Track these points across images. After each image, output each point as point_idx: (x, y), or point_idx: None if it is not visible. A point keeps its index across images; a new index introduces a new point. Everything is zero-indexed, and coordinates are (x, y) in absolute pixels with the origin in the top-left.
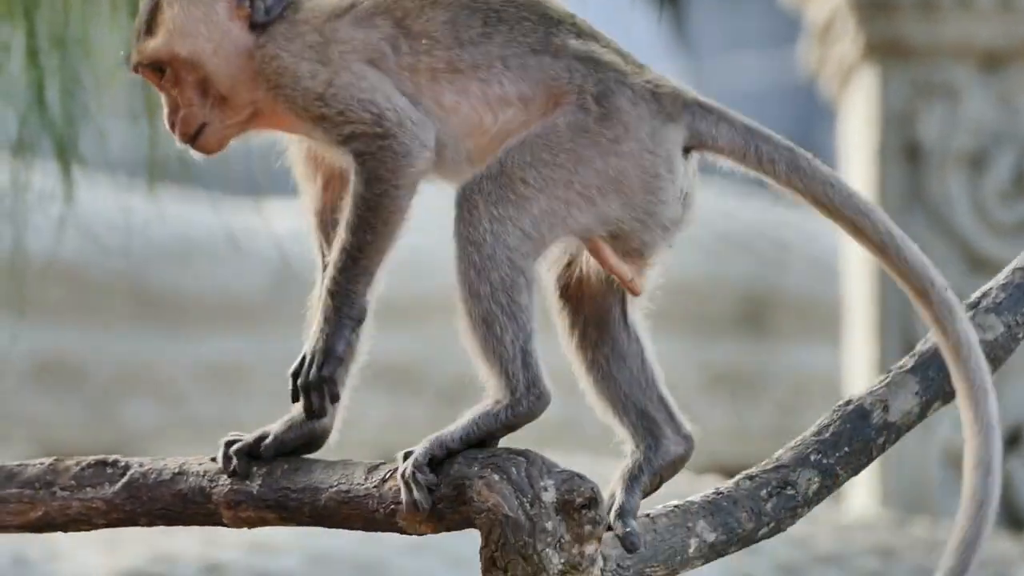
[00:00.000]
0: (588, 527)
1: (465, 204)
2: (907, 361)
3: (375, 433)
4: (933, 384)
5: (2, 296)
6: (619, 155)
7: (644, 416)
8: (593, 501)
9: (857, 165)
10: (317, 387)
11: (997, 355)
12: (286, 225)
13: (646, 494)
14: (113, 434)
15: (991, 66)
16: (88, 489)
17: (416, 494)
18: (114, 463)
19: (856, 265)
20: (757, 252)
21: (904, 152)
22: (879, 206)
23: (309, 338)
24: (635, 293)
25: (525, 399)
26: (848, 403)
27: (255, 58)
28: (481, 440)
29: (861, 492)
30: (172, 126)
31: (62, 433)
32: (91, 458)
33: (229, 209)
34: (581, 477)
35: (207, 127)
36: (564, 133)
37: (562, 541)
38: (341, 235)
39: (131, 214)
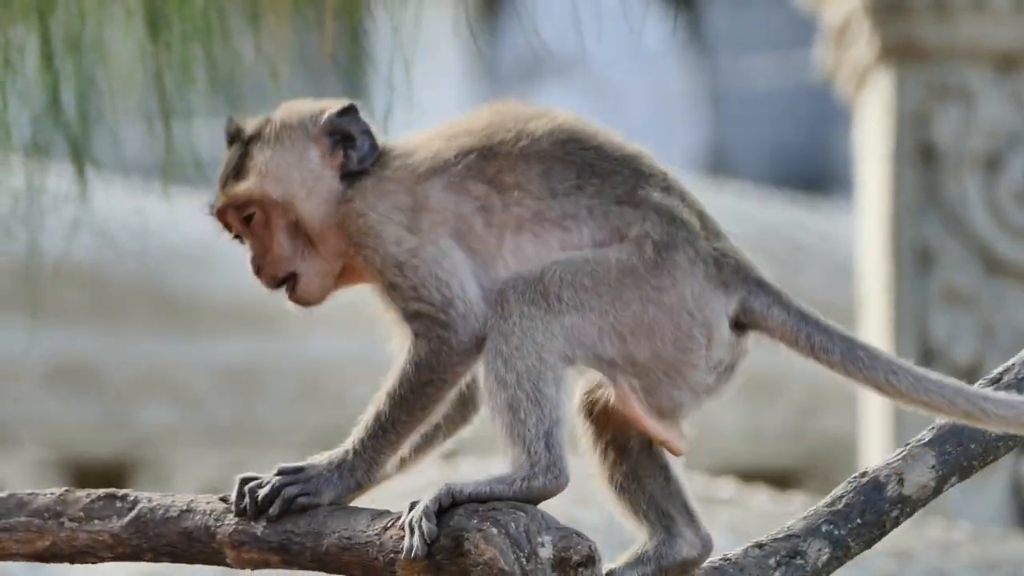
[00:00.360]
0: None
1: (499, 298)
2: (925, 434)
3: None
4: (950, 459)
5: (17, 298)
6: (658, 305)
7: (663, 515)
8: (590, 559)
9: (872, 167)
10: (278, 501)
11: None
12: None
13: None
14: (129, 437)
15: (1006, 68)
16: (96, 522)
17: (414, 540)
18: (123, 497)
19: (871, 266)
20: (772, 253)
21: (919, 154)
22: (892, 206)
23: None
24: (674, 453)
25: (543, 476)
26: (863, 475)
27: (340, 211)
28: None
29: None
30: (259, 270)
31: (77, 436)
32: (101, 491)
33: None
34: (579, 535)
35: (300, 277)
36: (612, 267)
37: None
38: (379, 402)
39: (146, 217)
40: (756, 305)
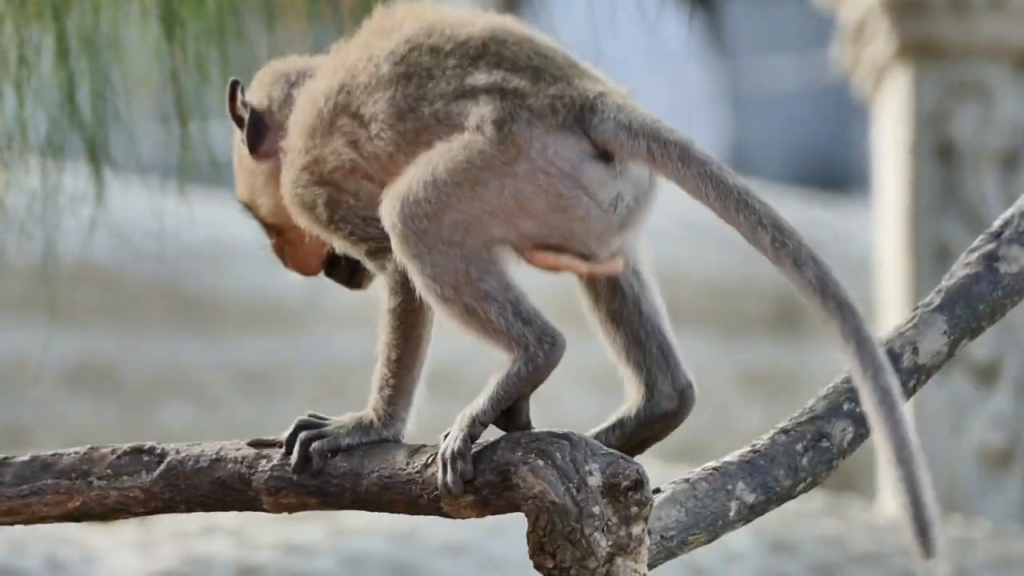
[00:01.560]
0: (635, 508)
1: (392, 231)
2: (933, 298)
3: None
4: (960, 322)
5: (34, 299)
6: (515, 177)
7: (639, 367)
8: (638, 483)
9: (890, 165)
10: (305, 451)
11: (1021, 287)
12: None
13: (631, 446)
14: (148, 438)
15: None
16: (125, 478)
17: (448, 479)
18: (150, 450)
19: (889, 264)
20: None
21: (937, 152)
22: (911, 204)
23: (341, 415)
24: (614, 272)
25: (540, 350)
26: None
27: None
28: (511, 403)
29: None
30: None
31: (97, 437)
32: (126, 446)
33: None
34: (625, 459)
35: (285, 250)
36: (461, 157)
37: (609, 524)
38: (379, 357)
39: (164, 217)
40: (592, 133)
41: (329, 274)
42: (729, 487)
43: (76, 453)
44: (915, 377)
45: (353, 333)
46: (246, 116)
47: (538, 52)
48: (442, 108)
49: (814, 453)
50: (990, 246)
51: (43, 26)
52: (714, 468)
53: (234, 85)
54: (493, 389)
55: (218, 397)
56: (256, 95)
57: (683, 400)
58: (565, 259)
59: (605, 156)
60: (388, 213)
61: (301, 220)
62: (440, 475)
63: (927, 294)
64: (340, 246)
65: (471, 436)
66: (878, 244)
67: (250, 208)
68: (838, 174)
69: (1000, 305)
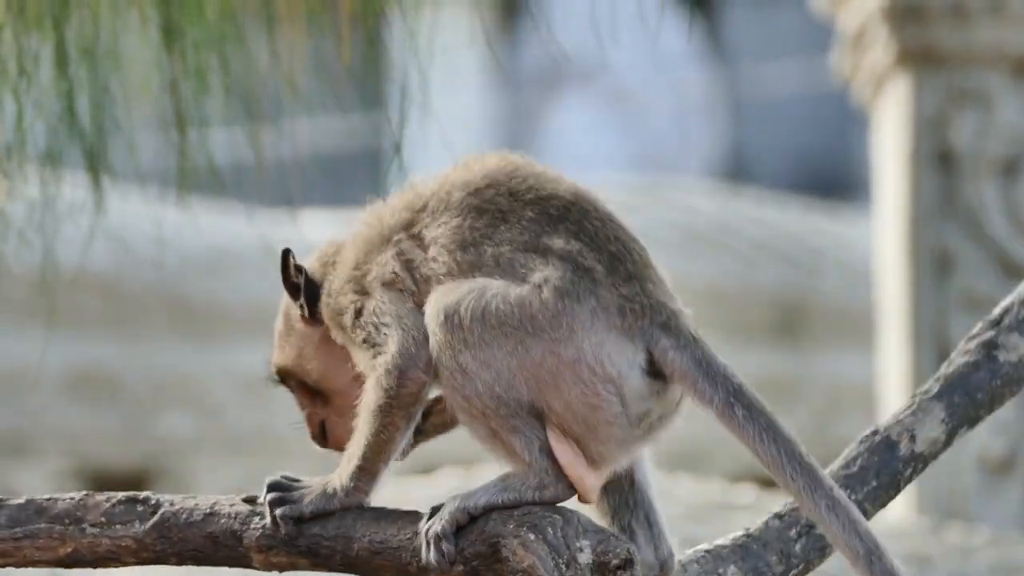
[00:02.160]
0: None
1: (434, 337)
2: (932, 386)
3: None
4: (959, 410)
5: (34, 307)
6: (558, 357)
7: (624, 529)
8: (628, 562)
9: (890, 172)
10: (277, 516)
11: (1021, 376)
12: (319, 235)
13: None
14: (148, 446)
15: None
16: (118, 527)
17: (433, 557)
18: (144, 500)
19: (890, 271)
20: (791, 259)
21: (937, 159)
22: (911, 211)
23: (308, 479)
24: (583, 500)
25: (554, 487)
26: (875, 433)
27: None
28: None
29: (896, 499)
30: (310, 430)
31: (97, 445)
32: (121, 495)
33: (263, 219)
34: (617, 537)
35: (328, 423)
36: (514, 308)
37: None
38: (355, 434)
39: (163, 225)
40: (657, 351)
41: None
42: (720, 571)
43: (71, 499)
44: (912, 465)
45: None
46: (300, 282)
47: (618, 237)
48: (507, 253)
49: (807, 539)
50: (989, 334)
51: (42, 35)
52: (706, 551)
53: (286, 254)
54: (496, 491)
55: (218, 405)
56: (309, 262)
57: (664, 570)
58: (574, 465)
59: (653, 371)
60: (433, 319)
61: (333, 331)
62: (424, 552)
63: (927, 301)
64: (355, 355)
65: (457, 522)
66: (878, 251)
67: (293, 374)
68: (838, 181)
69: (999, 394)
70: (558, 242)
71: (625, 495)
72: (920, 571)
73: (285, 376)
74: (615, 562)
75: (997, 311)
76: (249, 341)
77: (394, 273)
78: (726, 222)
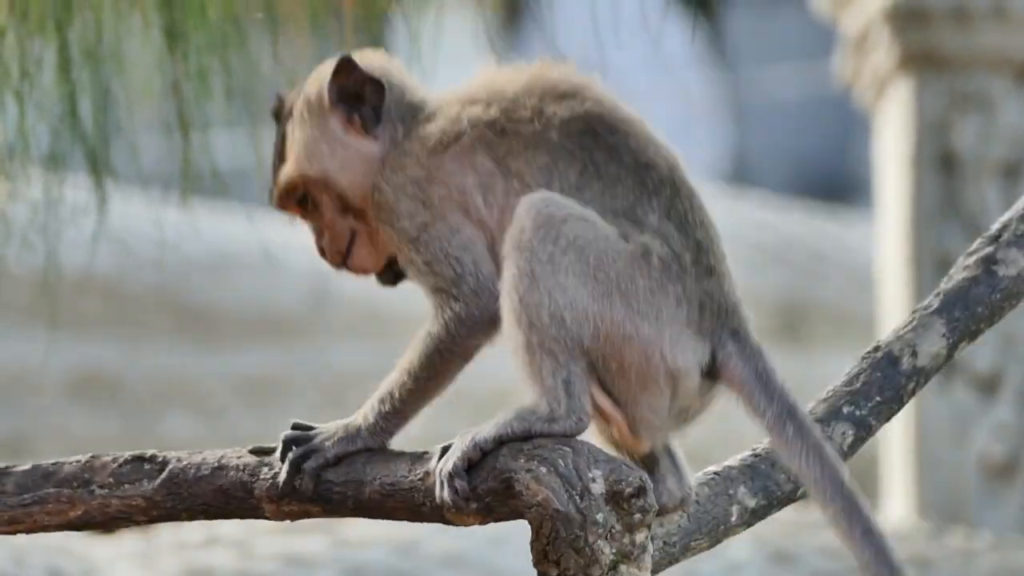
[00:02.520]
0: (638, 516)
1: (518, 222)
2: (932, 301)
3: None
4: (959, 324)
5: (36, 310)
6: (636, 328)
7: (648, 455)
8: (641, 490)
9: (892, 175)
10: (295, 471)
11: (1020, 290)
12: None
13: None
14: (149, 448)
15: None
16: (127, 486)
17: (447, 495)
18: (152, 458)
19: (891, 274)
20: (793, 263)
21: (939, 162)
22: (912, 214)
23: (328, 423)
24: (629, 447)
25: (564, 420)
26: (876, 349)
27: (374, 180)
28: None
29: (897, 502)
30: (323, 252)
31: (98, 447)
32: (128, 454)
33: (265, 222)
34: (628, 466)
35: (355, 242)
36: (620, 263)
37: (613, 531)
38: (393, 372)
39: (165, 227)
40: (722, 355)
41: (381, 275)
42: (731, 491)
43: (77, 462)
44: (914, 379)
45: (354, 344)
46: (366, 90)
47: (703, 223)
48: (596, 213)
49: None
50: (988, 249)
51: (45, 38)
52: (715, 472)
53: (348, 60)
54: (505, 422)
55: (219, 407)
56: (381, 74)
57: (684, 503)
58: (614, 413)
59: (709, 371)
60: (525, 207)
61: (381, 218)
62: (438, 491)
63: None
64: (405, 261)
65: (469, 458)
66: (880, 254)
67: (325, 185)
68: (840, 184)
69: (999, 307)
70: (652, 218)
71: None
72: (921, 574)
73: (310, 187)
74: (628, 491)
75: (996, 227)
76: (250, 344)
77: (468, 202)
78: (728, 225)
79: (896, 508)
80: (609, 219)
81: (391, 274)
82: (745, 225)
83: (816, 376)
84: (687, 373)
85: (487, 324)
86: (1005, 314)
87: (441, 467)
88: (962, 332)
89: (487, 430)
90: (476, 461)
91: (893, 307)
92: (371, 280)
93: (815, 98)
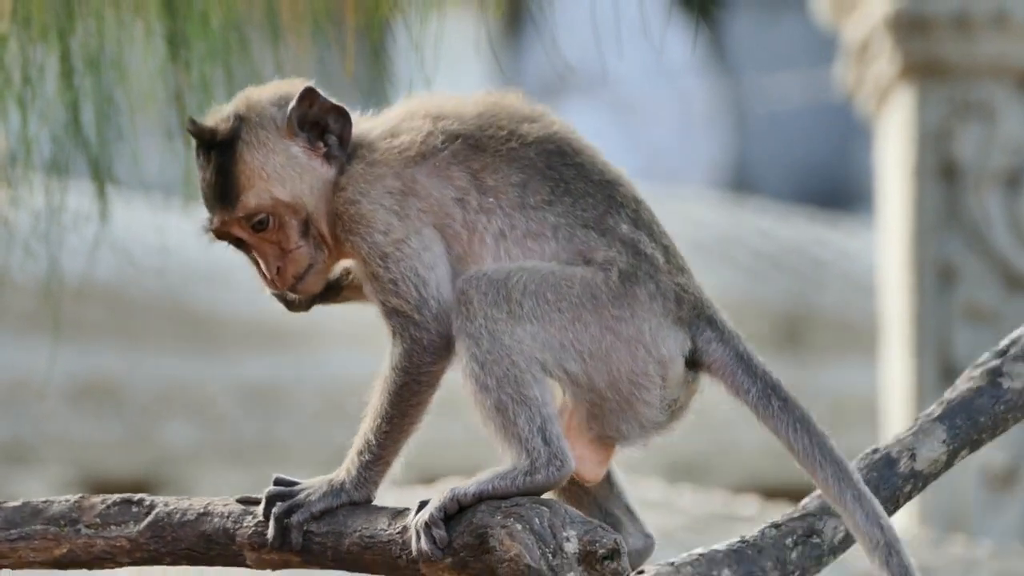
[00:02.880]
0: None
1: (463, 298)
2: (935, 409)
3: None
4: (960, 433)
5: (39, 317)
6: (616, 335)
7: (607, 514)
8: (615, 552)
9: (894, 184)
10: (280, 526)
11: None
12: None
13: None
14: (151, 455)
15: None
16: (113, 527)
17: (424, 545)
18: (139, 501)
19: (893, 283)
20: (794, 271)
21: (941, 171)
22: (914, 223)
23: (310, 479)
24: (583, 479)
25: (544, 469)
26: (875, 451)
27: (335, 200)
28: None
29: (899, 511)
30: (273, 276)
31: (100, 454)
32: (116, 496)
33: None
34: (604, 528)
35: (311, 268)
36: (576, 285)
37: None
38: (367, 419)
39: (167, 234)
40: (701, 342)
41: (299, 302)
42: (714, 573)
43: (67, 500)
44: (911, 482)
45: (354, 351)
46: (329, 120)
47: (665, 233)
48: (565, 226)
49: (804, 548)
50: (995, 362)
51: (48, 46)
52: (700, 554)
53: (311, 90)
54: (486, 482)
55: (220, 415)
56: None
57: (649, 544)
58: (580, 431)
59: (690, 360)
60: (466, 284)
61: (353, 232)
62: (415, 542)
63: (930, 313)
64: (367, 277)
65: (446, 510)
66: (881, 262)
67: (290, 210)
68: (841, 192)
69: (1002, 419)
70: (624, 227)
71: (605, 483)
72: None
73: (279, 211)
74: (601, 552)
75: (1004, 342)
76: (251, 352)
77: (450, 216)
78: (730, 233)
79: (897, 516)
80: (579, 230)
81: (309, 300)
82: (746, 233)
83: (816, 385)
84: (673, 360)
85: (447, 349)
86: (1009, 426)
87: (418, 519)
88: (963, 440)
89: (468, 486)
90: (453, 513)
91: (895, 315)
92: None
93: (817, 106)
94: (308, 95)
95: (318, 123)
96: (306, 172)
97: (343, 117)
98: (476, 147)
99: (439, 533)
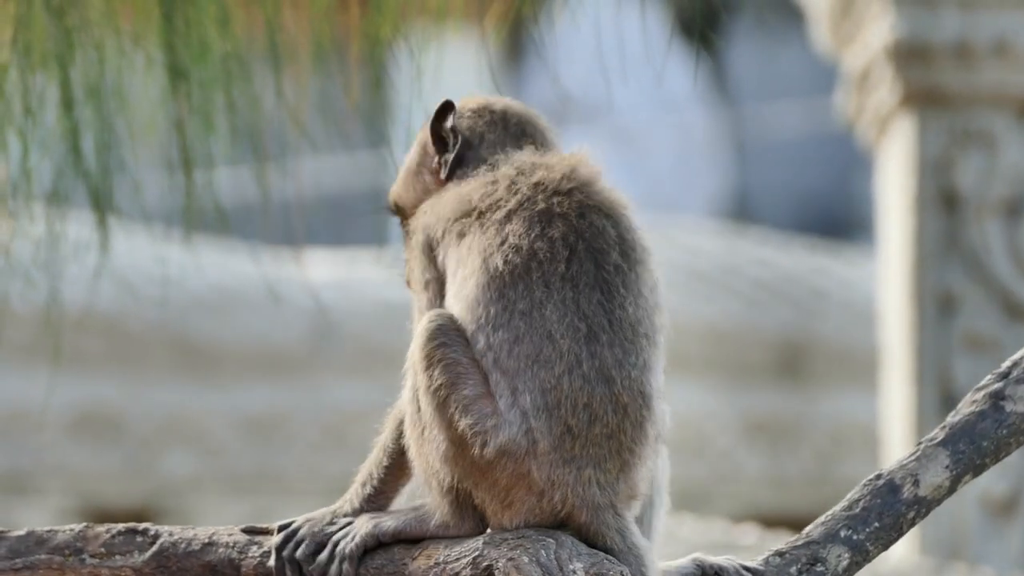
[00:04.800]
0: None
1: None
2: (937, 433)
3: None
4: (963, 458)
5: (39, 347)
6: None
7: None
8: None
9: (894, 213)
10: (295, 565)
11: None
12: (324, 275)
13: None
14: (151, 485)
15: None
16: (118, 557)
17: (333, 568)
18: (144, 531)
19: (893, 312)
20: (794, 299)
21: (941, 200)
22: (914, 252)
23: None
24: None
25: (457, 528)
26: (878, 477)
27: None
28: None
29: (898, 541)
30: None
31: (100, 484)
32: (121, 526)
33: (267, 259)
34: (610, 560)
35: None
36: (456, 427)
37: None
38: (373, 452)
39: (168, 264)
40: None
41: None
42: None
43: (71, 530)
44: (914, 508)
45: (355, 381)
46: (451, 141)
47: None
48: (508, 358)
49: None
50: (997, 385)
51: (48, 75)
52: None
53: (448, 105)
54: (405, 520)
55: (221, 445)
56: (466, 124)
57: None
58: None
59: None
60: (419, 335)
61: (413, 243)
62: (326, 563)
63: (931, 342)
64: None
65: (367, 546)
66: (882, 292)
67: (405, 215)
68: (841, 221)
69: (1005, 443)
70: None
71: None
72: None
73: (399, 212)
74: None
75: (1006, 364)
76: (251, 382)
77: (448, 270)
78: (729, 262)
79: (899, 545)
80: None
81: None
82: (746, 262)
83: (816, 413)
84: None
85: None
86: (1012, 450)
87: (343, 545)
88: (966, 465)
89: (387, 523)
90: (371, 549)
91: (895, 345)
92: (371, 318)
93: (817, 135)
94: (447, 108)
95: (445, 141)
96: (417, 181)
97: (456, 141)
98: (468, 212)
99: (347, 569)
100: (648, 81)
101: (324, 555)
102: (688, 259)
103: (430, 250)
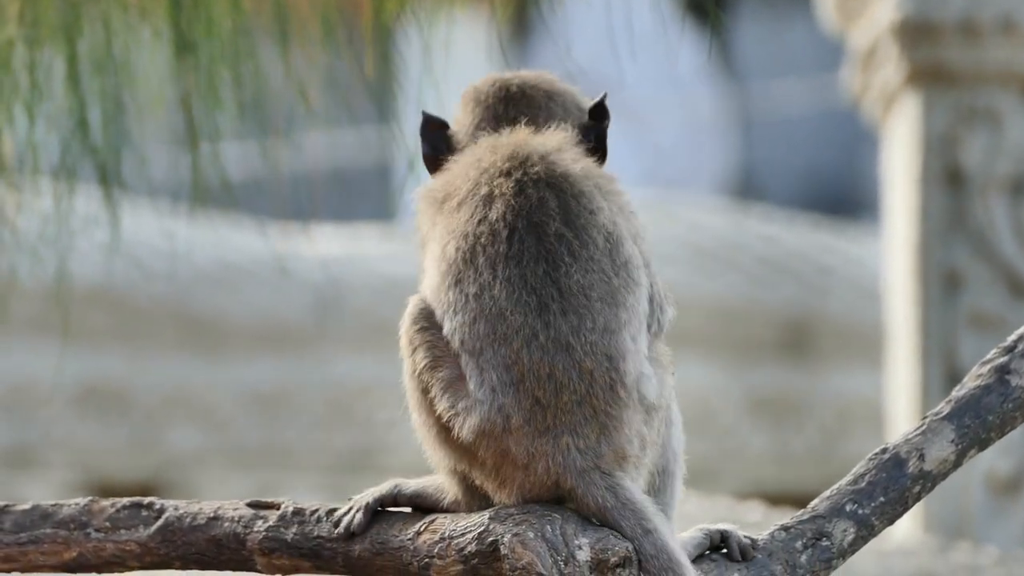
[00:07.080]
0: None
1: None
2: (943, 407)
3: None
4: (969, 432)
5: (47, 322)
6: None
7: None
8: (628, 560)
9: (900, 191)
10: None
11: None
12: (330, 249)
13: None
14: (156, 459)
15: None
16: (123, 531)
17: (341, 526)
18: (149, 505)
19: (898, 289)
20: (799, 277)
21: (947, 177)
22: (920, 230)
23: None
24: None
25: (467, 507)
26: (884, 451)
27: None
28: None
29: (903, 518)
30: None
31: (105, 459)
32: (126, 500)
33: (273, 234)
34: (615, 536)
35: None
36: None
37: None
38: None
39: (174, 239)
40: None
41: None
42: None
43: (77, 504)
44: (920, 483)
45: (361, 356)
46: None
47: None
48: (471, 342)
49: (813, 551)
50: (1003, 359)
51: (55, 50)
52: (712, 559)
53: (427, 119)
54: (425, 488)
55: (226, 419)
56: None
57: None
58: None
59: None
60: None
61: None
62: (346, 515)
63: (935, 320)
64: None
65: (383, 501)
66: (887, 269)
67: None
68: (847, 199)
69: (1010, 417)
70: (501, 368)
71: None
72: None
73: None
74: (614, 560)
75: (1012, 338)
76: (257, 356)
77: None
78: (735, 239)
79: (902, 523)
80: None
81: None
82: (752, 239)
83: (820, 390)
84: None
85: None
86: (1017, 424)
87: (362, 497)
88: (972, 440)
89: (409, 485)
90: (387, 505)
91: (901, 323)
92: (377, 293)
93: (823, 113)
94: (430, 122)
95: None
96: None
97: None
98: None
99: (359, 519)
100: (655, 58)
101: (345, 507)
102: (694, 236)
103: (421, 236)
